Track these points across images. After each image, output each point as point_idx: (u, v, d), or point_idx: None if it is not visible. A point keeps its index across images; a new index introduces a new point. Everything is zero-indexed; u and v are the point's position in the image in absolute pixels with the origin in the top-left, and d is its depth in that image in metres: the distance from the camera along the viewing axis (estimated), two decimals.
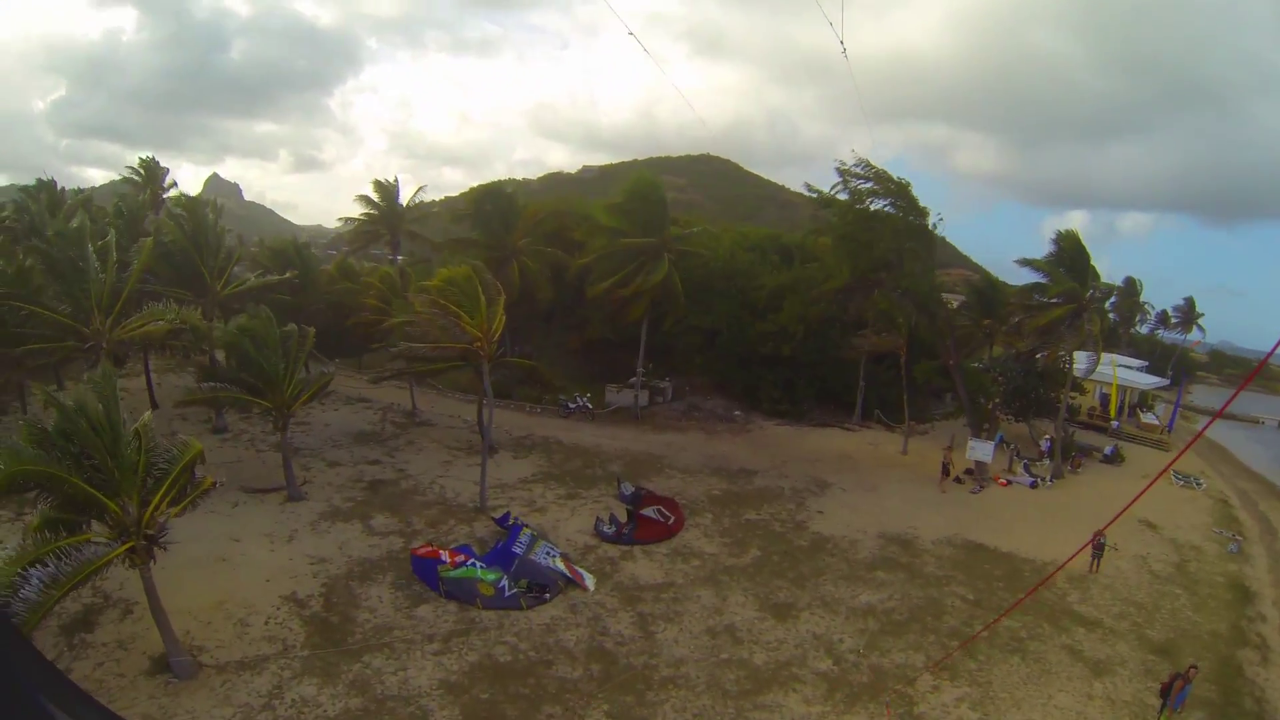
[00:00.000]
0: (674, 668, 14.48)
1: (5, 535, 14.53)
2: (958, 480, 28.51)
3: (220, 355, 22.50)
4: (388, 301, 30.40)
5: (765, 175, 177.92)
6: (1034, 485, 29.22)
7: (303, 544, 17.64)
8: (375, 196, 39.01)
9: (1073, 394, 33.09)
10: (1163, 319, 73.86)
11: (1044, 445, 33.13)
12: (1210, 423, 28.05)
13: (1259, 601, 20.35)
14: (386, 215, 38.95)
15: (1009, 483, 29.28)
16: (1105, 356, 58.64)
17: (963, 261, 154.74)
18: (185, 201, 24.58)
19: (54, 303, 17.38)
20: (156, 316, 18.41)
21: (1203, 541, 24.56)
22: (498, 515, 20.41)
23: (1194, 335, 75.78)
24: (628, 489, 23.90)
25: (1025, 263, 29.78)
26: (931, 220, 29.12)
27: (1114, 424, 41.29)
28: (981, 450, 28.83)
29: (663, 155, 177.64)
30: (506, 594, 16.26)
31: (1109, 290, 32.45)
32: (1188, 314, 72.16)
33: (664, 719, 12.85)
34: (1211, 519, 27.32)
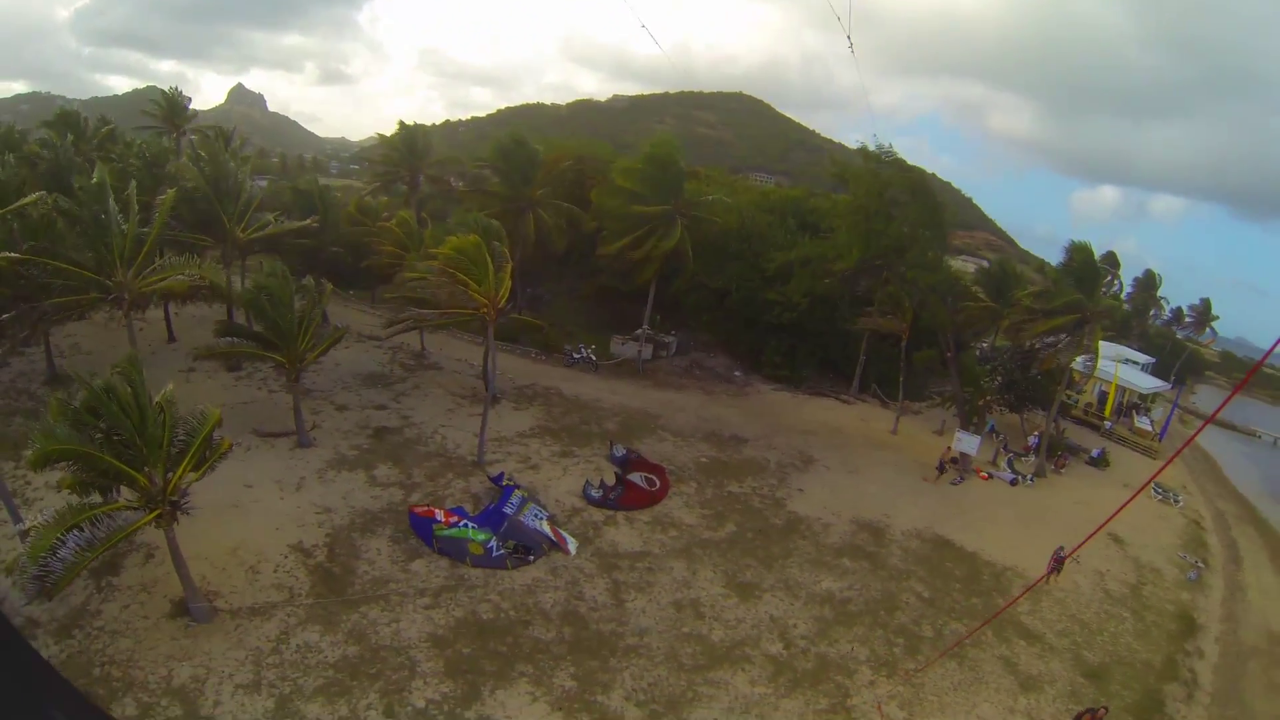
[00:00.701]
0: (638, 637, 16.07)
1: (42, 494, 16.10)
2: (940, 469, 29.50)
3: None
4: (404, 247, 31.11)
5: (797, 118, 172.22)
6: (1014, 483, 29.95)
7: (310, 492, 19.22)
8: (398, 140, 38.98)
9: (1068, 392, 33.36)
10: (1177, 316, 72.58)
11: (1032, 441, 33.65)
12: (1199, 431, 28.21)
13: (1202, 636, 21.09)
14: (407, 159, 38.91)
15: (990, 477, 29.95)
16: (1112, 349, 58.28)
17: (987, 225, 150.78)
18: (207, 146, 24.84)
19: (78, 254, 18.22)
20: (178, 270, 19.31)
21: (1165, 564, 25.16)
22: (494, 473, 21.84)
23: (1207, 335, 74.46)
24: (619, 451, 25.21)
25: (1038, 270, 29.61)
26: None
27: (1107, 424, 41.46)
28: (967, 443, 29.49)
29: (695, 90, 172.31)
30: (494, 554, 17.83)
31: (1113, 309, 32.11)
32: (1203, 315, 70.90)
33: (622, 686, 14.48)
34: (1180, 541, 27.88)
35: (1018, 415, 36.16)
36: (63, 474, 11.75)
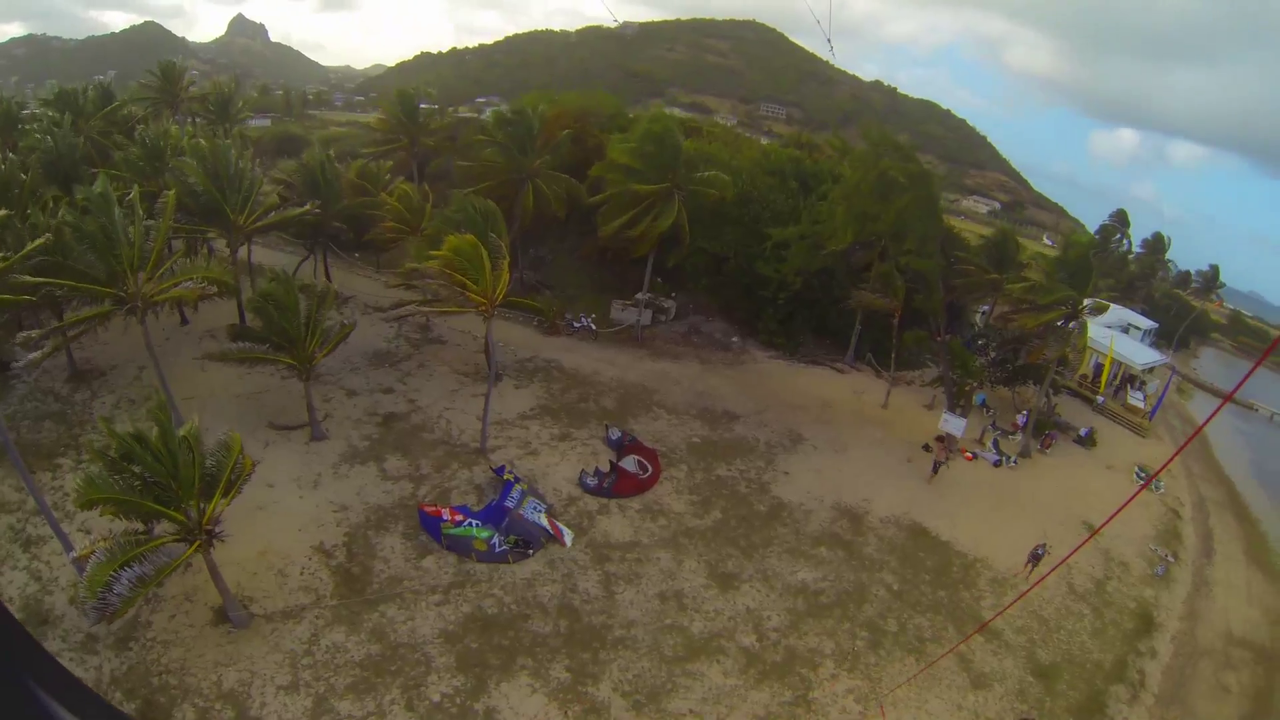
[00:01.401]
0: (625, 629, 18.18)
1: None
2: (925, 448, 30.88)
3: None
4: (406, 222, 31.70)
5: (809, 47, 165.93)
6: (997, 464, 31.11)
7: (326, 490, 21.02)
8: (396, 108, 38.59)
9: (1059, 369, 34.21)
10: (1184, 279, 72.20)
11: (1020, 419, 34.47)
12: (1190, 439, 28.38)
13: (1158, 635, 22.38)
14: (406, 126, 38.61)
15: (974, 457, 31.22)
16: (1115, 313, 58.31)
17: (1000, 165, 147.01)
18: (207, 140, 25.07)
19: (89, 267, 19.10)
20: (188, 276, 20.30)
21: (1134, 558, 26.24)
22: (496, 464, 23.57)
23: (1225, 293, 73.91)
24: (614, 434, 26.94)
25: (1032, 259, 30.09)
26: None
27: (1100, 399, 42.18)
28: (954, 424, 30.79)
29: (707, 18, 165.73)
30: (497, 549, 19.77)
31: (1104, 307, 32.48)
32: (1210, 280, 70.50)
33: (610, 677, 16.65)
34: (1154, 531, 28.85)
35: (1009, 390, 37.30)
36: (104, 510, 13.34)
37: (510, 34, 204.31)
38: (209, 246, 30.12)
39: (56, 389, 24.40)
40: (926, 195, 29.02)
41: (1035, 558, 23.21)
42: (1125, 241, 73.61)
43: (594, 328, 37.36)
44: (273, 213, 26.57)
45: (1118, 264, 71.16)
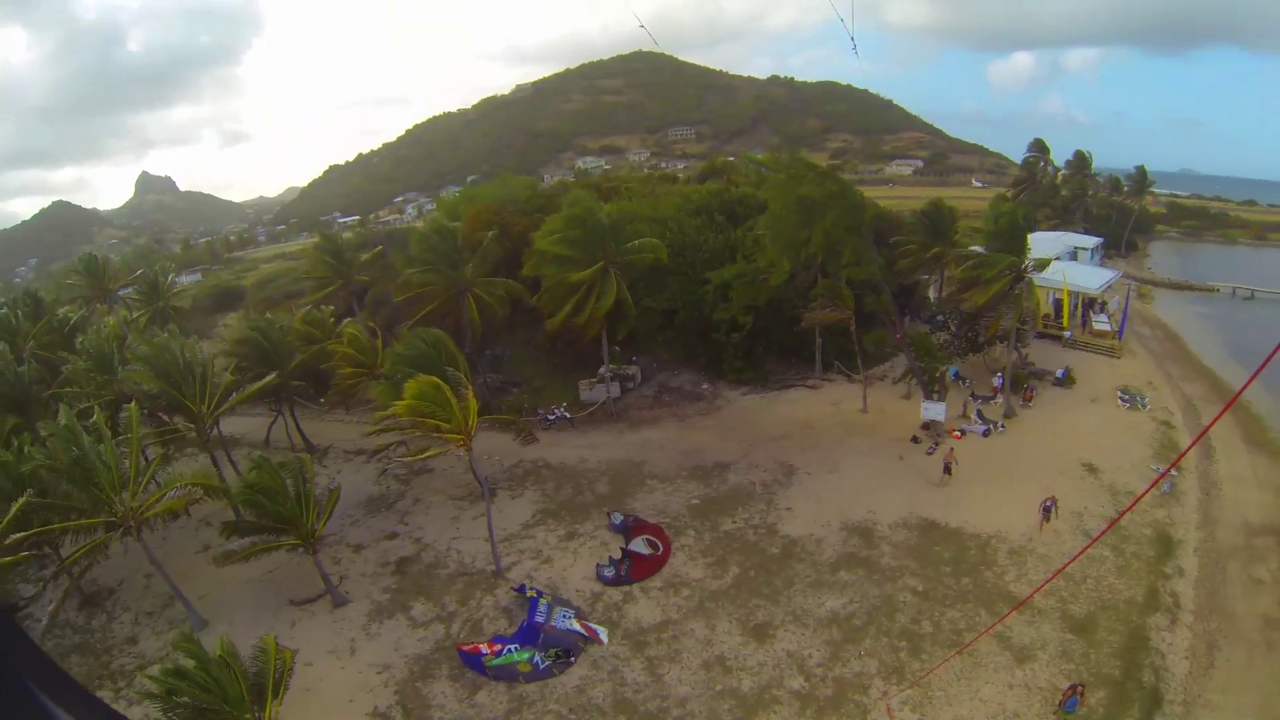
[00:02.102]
0: (681, 706, 20.02)
1: None
2: (914, 439, 33.50)
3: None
4: (360, 364, 33.76)
5: (700, 62, 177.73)
6: (986, 433, 33.66)
7: (363, 653, 22.62)
8: (323, 252, 41.16)
9: (1021, 324, 36.60)
10: (1115, 186, 78.03)
11: (997, 381, 37.10)
12: (1209, 427, 29.71)
13: (1181, 552, 24.23)
14: (336, 269, 41.15)
15: (963, 434, 33.70)
16: (1059, 238, 62.37)
17: (912, 123, 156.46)
18: (148, 345, 27.04)
19: (69, 498, 20.73)
20: (172, 486, 22.12)
21: (1139, 483, 27.78)
22: (515, 582, 25.41)
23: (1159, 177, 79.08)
24: (617, 519, 29.00)
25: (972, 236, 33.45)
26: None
27: (1067, 334, 45.22)
28: (934, 410, 33.51)
29: (594, 60, 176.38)
30: (541, 667, 21.55)
31: (1045, 263, 35.90)
32: (1140, 181, 76.34)
33: None
34: (1152, 450, 31.06)
35: (980, 355, 40.16)
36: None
37: (410, 126, 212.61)
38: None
39: (71, 619, 25.49)
40: (848, 208, 32.06)
41: (1045, 511, 25.46)
42: (1050, 167, 79.20)
43: (568, 416, 39.53)
44: (233, 394, 28.36)
45: (1049, 192, 76.52)
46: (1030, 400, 36.88)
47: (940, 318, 41.30)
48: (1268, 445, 32.52)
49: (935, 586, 23.82)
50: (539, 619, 22.82)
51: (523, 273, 37.19)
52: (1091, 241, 61.70)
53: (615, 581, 25.42)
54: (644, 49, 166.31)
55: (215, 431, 28.93)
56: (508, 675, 21.33)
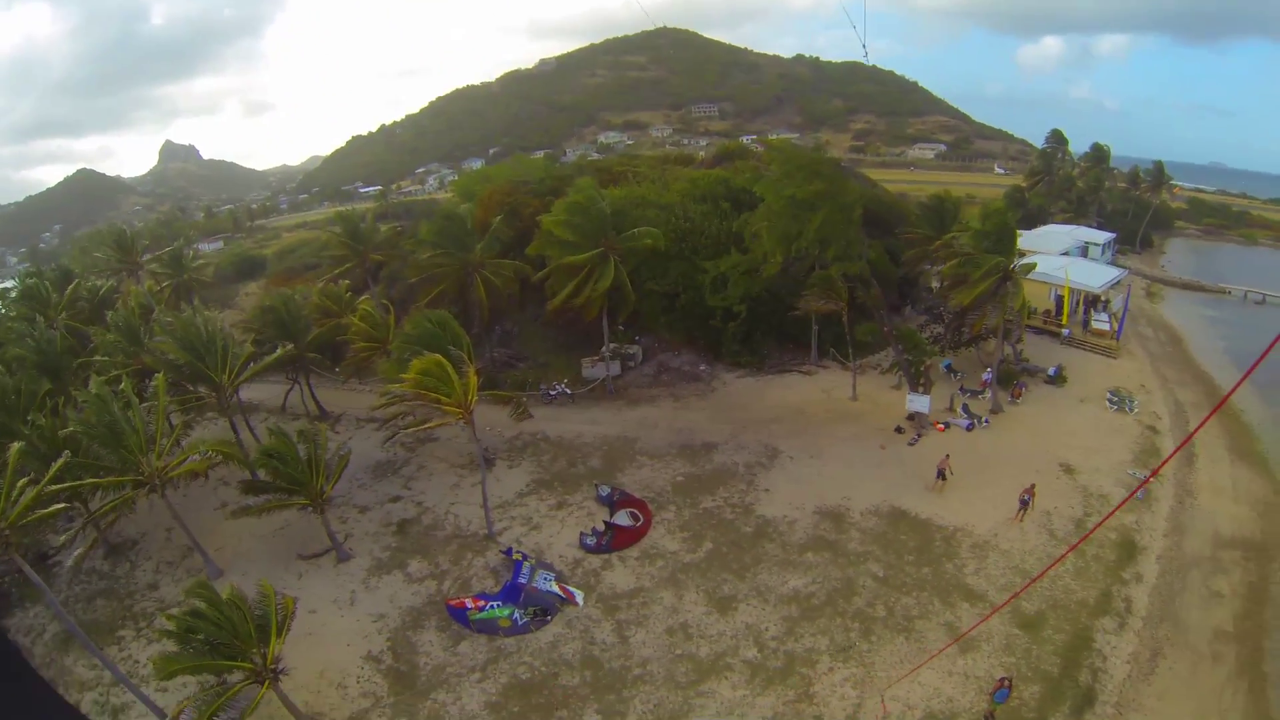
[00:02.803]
0: (642, 666, 21.84)
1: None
2: (898, 430, 34.51)
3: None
4: (373, 338, 35.68)
5: (724, 39, 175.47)
6: (970, 428, 34.37)
7: (362, 604, 24.77)
8: (341, 230, 43.03)
9: (1009, 321, 37.06)
10: (1133, 181, 76.49)
11: (986, 376, 37.56)
12: (1194, 434, 30.00)
13: (1143, 559, 24.72)
14: (353, 249, 43.01)
15: (947, 426, 34.51)
16: (1069, 232, 61.88)
17: (937, 106, 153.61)
18: (175, 319, 29.10)
19: (99, 459, 22.87)
20: (195, 451, 24.26)
21: (1113, 488, 28.54)
22: (504, 546, 27.34)
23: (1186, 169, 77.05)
24: (604, 491, 30.72)
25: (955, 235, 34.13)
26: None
27: (1065, 331, 45.29)
28: (919, 403, 34.48)
29: (619, 35, 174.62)
30: (520, 623, 23.50)
31: (1030, 267, 36.25)
32: (1157, 177, 74.72)
33: (635, 712, 20.30)
34: (1132, 455, 31.26)
35: (973, 348, 40.78)
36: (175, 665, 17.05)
37: (434, 99, 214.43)
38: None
39: (97, 566, 27.91)
40: (837, 207, 32.91)
41: (1024, 503, 26.46)
42: (1067, 159, 77.89)
43: (569, 392, 41.20)
44: (251, 364, 30.40)
45: (1065, 184, 75.39)
46: (1019, 397, 37.24)
47: (938, 309, 41.91)
48: (1252, 456, 32.45)
49: (895, 573, 24.96)
50: (522, 580, 24.74)
51: (528, 251, 38.56)
52: (1103, 237, 61.02)
53: (596, 550, 27.23)
54: (669, 25, 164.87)
55: (235, 399, 30.99)
56: (489, 629, 23.33)
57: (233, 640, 17.30)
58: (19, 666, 22.77)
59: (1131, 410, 35.85)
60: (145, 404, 24.88)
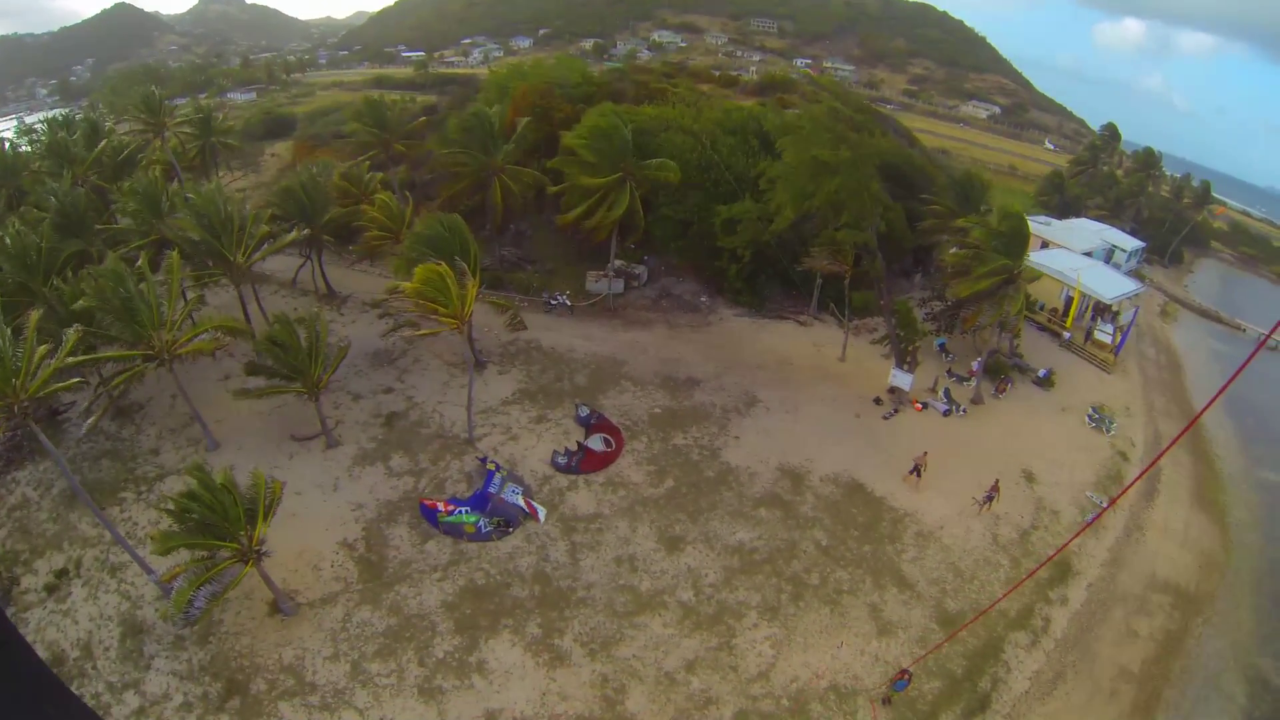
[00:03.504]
0: (586, 590, 23.04)
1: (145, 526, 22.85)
2: (876, 401, 34.37)
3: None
4: (388, 229, 35.15)
5: None
6: (947, 413, 33.95)
7: (344, 492, 25.88)
8: (366, 116, 41.31)
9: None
10: (1178, 192, 71.51)
11: (975, 365, 36.66)
12: (1181, 434, 28.48)
13: (1074, 583, 24.62)
14: (379, 136, 41.35)
15: (924, 407, 34.16)
16: (1098, 232, 58.90)
17: (1000, 67, 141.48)
18: (196, 195, 28.44)
19: (117, 331, 23.17)
20: (203, 328, 24.52)
21: (1066, 506, 28.37)
22: (481, 453, 28.19)
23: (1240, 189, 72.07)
24: (583, 411, 31.26)
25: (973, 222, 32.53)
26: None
27: (1066, 335, 43.64)
28: (901, 379, 34.06)
29: None
30: (484, 530, 24.65)
31: (1035, 275, 34.40)
32: (1201, 197, 69.73)
33: (572, 631, 21.64)
34: (1095, 478, 30.69)
35: (969, 335, 39.84)
36: (172, 542, 18.14)
37: None
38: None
39: (104, 427, 28.58)
40: (858, 177, 31.28)
41: (989, 498, 26.75)
42: (1115, 155, 73.12)
43: (569, 304, 40.95)
44: (265, 244, 30.15)
45: (1106, 183, 71.17)
46: (1003, 392, 36.44)
47: (943, 287, 40.77)
48: (1213, 507, 31.70)
49: (838, 545, 25.46)
50: (492, 490, 25.68)
51: (549, 164, 37.21)
52: (1132, 244, 57.99)
53: (566, 470, 28.05)
54: None
55: (249, 272, 30.96)
56: (455, 532, 24.51)
57: (222, 522, 18.25)
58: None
59: (1109, 431, 34.81)
60: (159, 278, 24.95)
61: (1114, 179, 71.98)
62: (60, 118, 50.11)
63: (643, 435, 30.53)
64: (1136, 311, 47.51)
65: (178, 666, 19.33)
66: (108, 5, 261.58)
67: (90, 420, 21.57)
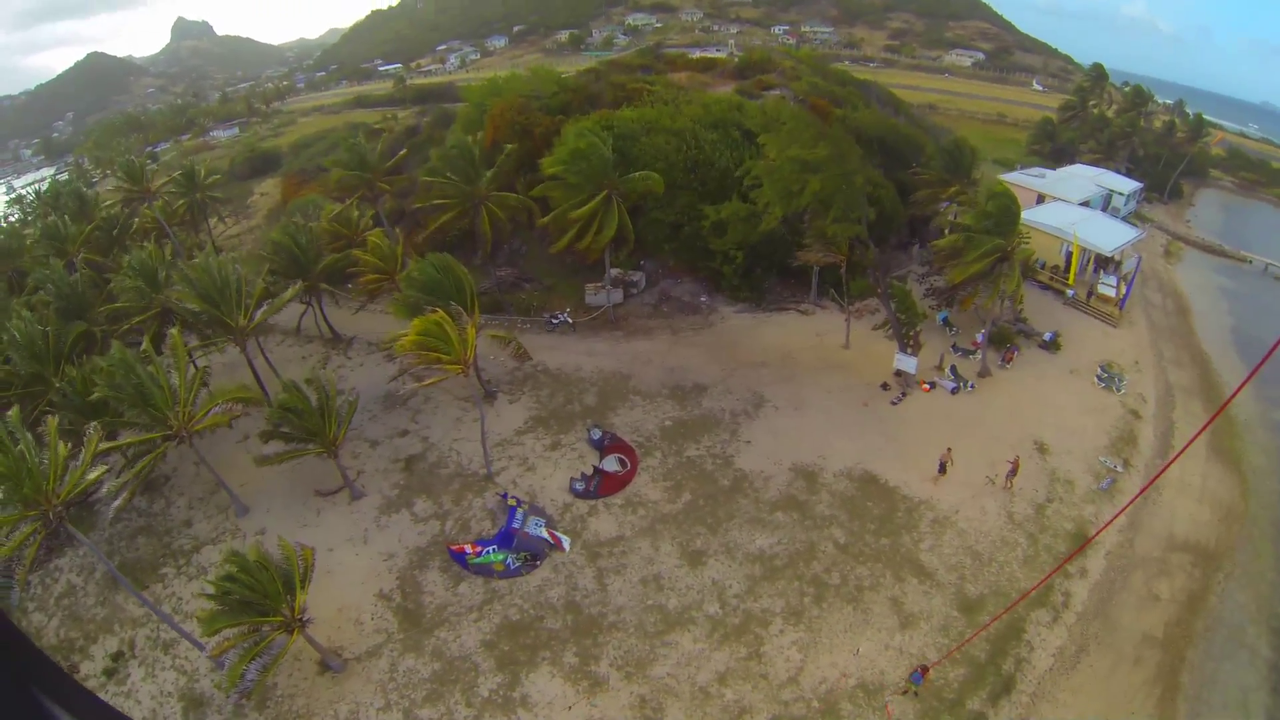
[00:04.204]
0: (617, 614, 24.10)
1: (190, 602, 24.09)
2: (884, 386, 34.79)
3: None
4: (382, 271, 35.99)
5: None
6: (955, 390, 34.33)
7: (374, 543, 27.03)
8: (348, 157, 42.04)
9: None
10: (1170, 129, 70.32)
11: (979, 337, 36.87)
12: (1199, 433, 28.79)
13: (1092, 553, 24.82)
14: (363, 178, 42.07)
15: (932, 386, 34.60)
16: (1093, 176, 58.41)
17: (980, 11, 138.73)
18: (191, 269, 29.40)
19: (134, 417, 24.26)
20: (216, 401, 25.57)
21: (1081, 474, 28.67)
22: (500, 488, 29.21)
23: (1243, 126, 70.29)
24: (595, 434, 32.14)
25: (953, 225, 32.80)
26: None
27: (1069, 293, 43.69)
28: (906, 363, 34.55)
29: None
30: (512, 568, 25.74)
31: (1029, 253, 34.44)
32: (1195, 130, 68.59)
33: (607, 656, 22.74)
34: (1108, 440, 30.98)
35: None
36: (218, 624, 19.32)
37: None
38: None
39: (135, 503, 29.55)
40: (841, 172, 31.60)
41: (1011, 473, 27.31)
42: (1104, 97, 72.17)
43: (570, 321, 41.68)
44: (265, 304, 31.07)
45: (1097, 125, 70.38)
46: (1010, 361, 36.69)
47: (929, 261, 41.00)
48: (1229, 455, 31.79)
49: (856, 541, 26.23)
50: (515, 525, 26.76)
51: (532, 193, 37.84)
52: (1129, 186, 57.40)
53: (584, 495, 29.01)
54: None
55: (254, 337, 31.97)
56: (485, 572, 25.62)
57: (263, 599, 19.40)
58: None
59: (1119, 390, 35.02)
60: (163, 356, 25.98)
61: (1105, 120, 71.16)
62: (49, 193, 51.17)
63: (656, 450, 31.37)
64: (1139, 259, 47.41)
65: None
66: (80, 57, 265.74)
67: (118, 503, 22.66)
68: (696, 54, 76.66)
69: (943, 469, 28.88)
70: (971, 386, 35.05)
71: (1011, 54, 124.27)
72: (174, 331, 26.26)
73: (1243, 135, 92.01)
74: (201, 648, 21.62)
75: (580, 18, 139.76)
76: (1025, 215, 43.97)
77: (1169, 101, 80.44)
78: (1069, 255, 44.70)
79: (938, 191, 45.34)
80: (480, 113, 48.05)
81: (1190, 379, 37.91)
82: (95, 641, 24.21)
